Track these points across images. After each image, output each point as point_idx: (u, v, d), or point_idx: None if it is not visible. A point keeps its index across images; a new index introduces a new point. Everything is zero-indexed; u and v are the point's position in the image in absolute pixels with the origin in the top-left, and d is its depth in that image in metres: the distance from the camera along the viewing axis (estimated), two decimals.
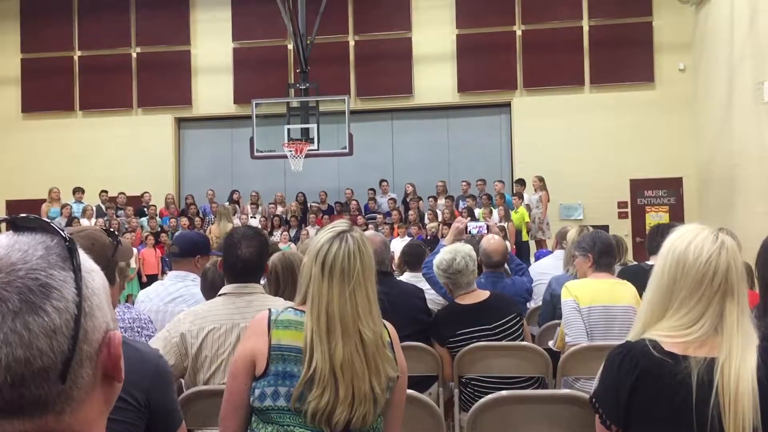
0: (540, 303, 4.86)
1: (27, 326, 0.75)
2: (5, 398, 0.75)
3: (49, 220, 0.85)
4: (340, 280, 1.93)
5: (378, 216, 13.31)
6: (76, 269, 0.80)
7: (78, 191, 13.71)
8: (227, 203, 13.95)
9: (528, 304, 4.97)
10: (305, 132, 12.55)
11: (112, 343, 0.84)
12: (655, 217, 13.98)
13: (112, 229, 2.28)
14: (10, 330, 0.74)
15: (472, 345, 3.68)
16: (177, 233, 12.78)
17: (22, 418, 0.76)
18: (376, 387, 1.91)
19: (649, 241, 4.32)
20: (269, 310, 2.02)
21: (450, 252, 3.90)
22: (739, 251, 1.77)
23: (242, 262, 2.75)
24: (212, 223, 13.29)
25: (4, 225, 0.85)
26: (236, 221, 12.95)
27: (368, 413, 1.91)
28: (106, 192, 14.02)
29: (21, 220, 0.83)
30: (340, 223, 2.05)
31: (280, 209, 14.02)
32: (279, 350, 1.93)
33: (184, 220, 13.29)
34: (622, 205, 14.25)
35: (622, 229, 13.20)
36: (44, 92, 15.52)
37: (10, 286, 0.76)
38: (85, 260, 0.84)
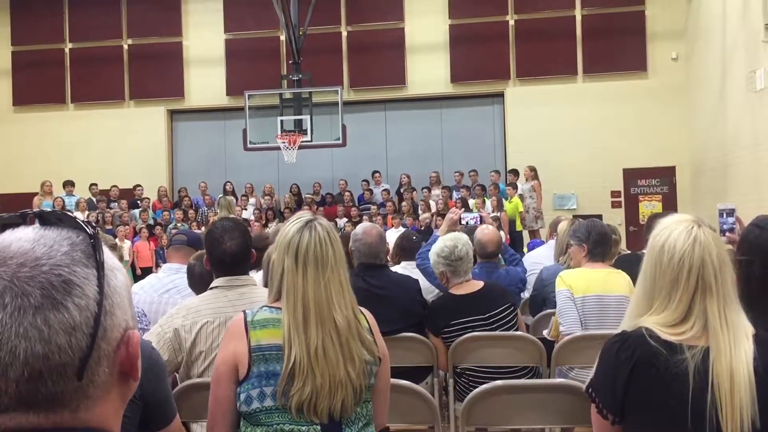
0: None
1: (47, 322, 0.76)
2: (21, 392, 0.75)
3: (75, 216, 0.85)
4: (314, 268, 1.94)
5: (372, 207, 13.31)
6: (99, 267, 0.81)
7: (68, 184, 13.65)
8: (221, 195, 13.90)
9: (522, 294, 4.97)
10: (298, 123, 12.52)
11: (131, 342, 0.84)
12: (649, 206, 14.02)
13: (91, 221, 2.29)
14: (30, 325, 0.75)
15: (466, 335, 3.69)
16: (171, 227, 12.78)
17: (37, 412, 0.77)
18: (351, 373, 1.91)
19: (647, 230, 4.32)
20: (244, 312, 2.01)
21: (451, 239, 3.90)
22: (715, 243, 1.75)
23: (229, 255, 2.74)
24: (205, 216, 13.24)
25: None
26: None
27: (347, 399, 1.91)
28: (96, 185, 13.96)
29: (48, 215, 0.83)
30: (304, 214, 2.07)
31: (270, 200, 13.97)
32: (260, 351, 1.92)
33: (178, 213, 13.26)
34: (615, 194, 14.27)
35: (616, 219, 13.24)
36: (35, 85, 15.42)
37: (33, 280, 0.76)
38: (109, 258, 0.84)
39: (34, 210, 0.85)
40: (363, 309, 2.11)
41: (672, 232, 1.76)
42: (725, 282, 1.72)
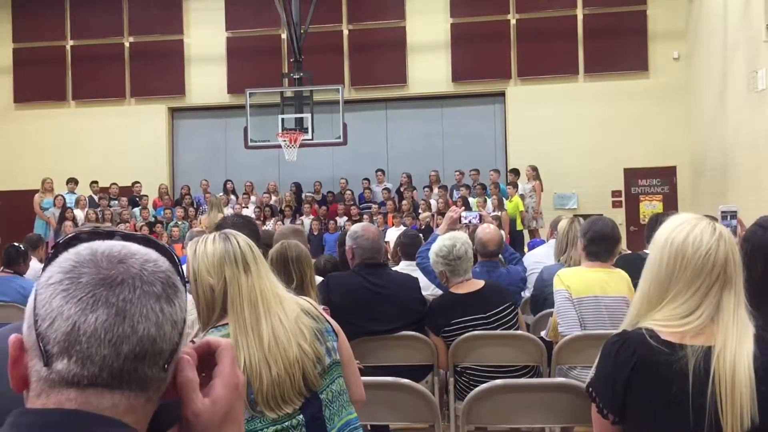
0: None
1: (163, 311, 0.86)
2: (123, 369, 0.83)
3: (159, 241, 0.95)
4: (255, 264, 2.03)
5: (373, 206, 13.31)
6: (183, 284, 0.93)
7: (71, 182, 13.65)
8: (221, 194, 13.91)
9: (523, 293, 4.98)
10: (299, 122, 12.52)
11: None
12: (649, 206, 14.02)
13: (106, 222, 2.33)
14: (151, 309, 0.85)
15: (467, 334, 3.69)
16: (172, 225, 12.79)
17: (121, 392, 0.84)
18: (303, 345, 1.96)
19: (648, 230, 4.31)
20: (192, 341, 2.01)
21: (450, 239, 3.90)
22: (735, 242, 1.78)
23: None
24: (203, 213, 13.25)
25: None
26: (229, 211, 12.91)
27: (308, 371, 1.95)
28: (96, 183, 13.96)
29: (133, 236, 0.94)
30: (204, 236, 2.12)
31: (273, 199, 14.00)
32: None
33: (179, 211, 13.26)
34: (616, 194, 14.27)
35: (616, 218, 13.18)
36: (36, 82, 15.43)
37: (155, 275, 0.87)
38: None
39: (125, 231, 0.95)
40: (304, 297, 2.20)
41: (695, 227, 1.77)
42: (740, 282, 1.75)
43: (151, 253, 0.90)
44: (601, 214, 4.41)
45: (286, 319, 1.98)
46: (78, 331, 0.81)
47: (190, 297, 2.73)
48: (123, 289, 0.84)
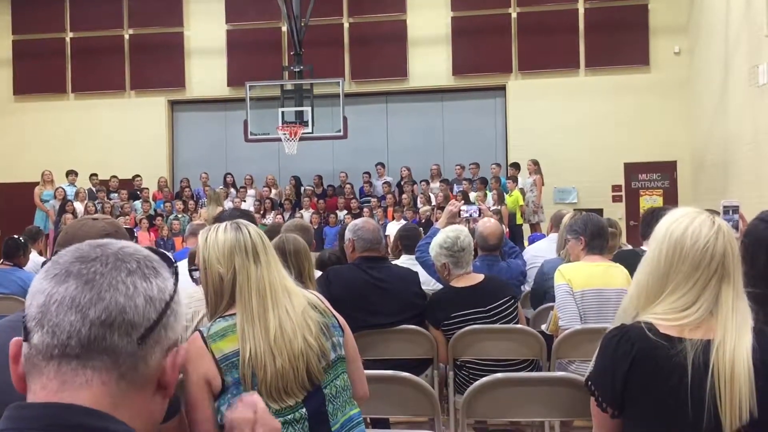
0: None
1: (135, 284, 0.91)
2: (91, 337, 0.86)
3: (161, 250, 1.02)
4: (264, 254, 2.04)
5: (372, 199, 13.30)
6: (176, 280, 0.99)
7: (71, 174, 13.65)
8: (221, 187, 13.91)
9: (522, 287, 4.97)
10: (299, 115, 12.50)
11: (179, 354, 0.97)
12: (649, 200, 14.01)
13: (106, 214, 2.35)
14: (121, 281, 0.90)
15: (466, 328, 3.69)
16: (172, 217, 12.77)
17: (92, 366, 0.87)
18: (308, 338, 1.96)
19: (643, 225, 4.31)
20: (198, 330, 2.02)
21: (453, 231, 3.92)
22: (734, 235, 1.78)
23: None
24: (204, 206, 13.23)
25: None
26: (229, 204, 12.89)
27: (312, 364, 1.95)
28: (96, 175, 13.96)
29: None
30: (217, 224, 2.12)
31: (272, 192, 13.99)
32: (226, 360, 1.92)
33: (179, 204, 13.25)
34: (616, 188, 14.27)
35: (616, 213, 13.24)
36: (36, 74, 15.40)
37: (132, 257, 0.94)
38: (181, 288, 1.01)
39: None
40: (312, 291, 2.20)
41: (694, 220, 1.78)
42: (739, 275, 1.75)
43: (139, 246, 0.97)
44: (601, 209, 4.42)
45: (293, 312, 1.98)
46: (49, 301, 0.86)
47: (194, 291, 2.74)
48: (95, 263, 0.90)
